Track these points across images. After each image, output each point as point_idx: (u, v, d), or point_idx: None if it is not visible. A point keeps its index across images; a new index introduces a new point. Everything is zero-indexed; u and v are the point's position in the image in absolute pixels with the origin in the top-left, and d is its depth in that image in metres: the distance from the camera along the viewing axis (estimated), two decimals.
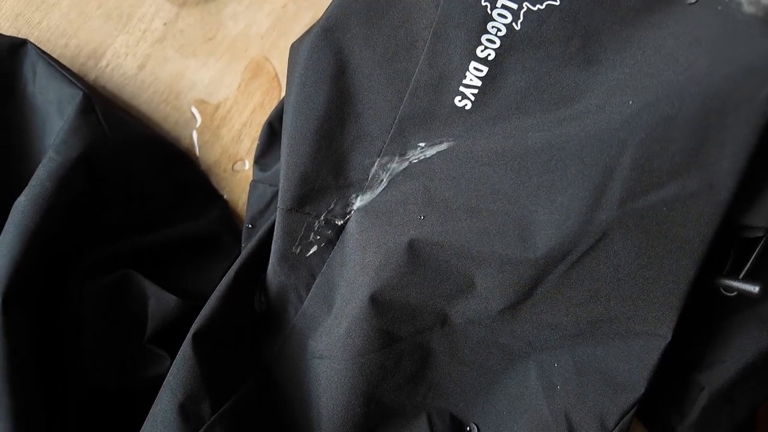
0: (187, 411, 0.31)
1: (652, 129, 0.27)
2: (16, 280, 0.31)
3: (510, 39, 0.30)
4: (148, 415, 0.31)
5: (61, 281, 0.35)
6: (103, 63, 0.50)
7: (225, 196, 0.47)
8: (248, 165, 0.48)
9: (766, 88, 0.25)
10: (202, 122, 0.48)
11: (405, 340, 0.33)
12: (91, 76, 0.50)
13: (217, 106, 0.49)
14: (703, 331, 0.37)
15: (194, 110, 0.49)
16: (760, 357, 0.37)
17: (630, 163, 0.27)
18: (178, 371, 0.31)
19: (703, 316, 0.36)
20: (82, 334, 0.35)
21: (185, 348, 0.32)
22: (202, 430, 0.30)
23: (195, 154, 0.48)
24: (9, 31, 0.50)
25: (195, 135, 0.48)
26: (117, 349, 0.35)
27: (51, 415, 0.32)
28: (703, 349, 0.38)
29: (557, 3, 0.29)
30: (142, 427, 0.32)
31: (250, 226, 0.42)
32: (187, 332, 0.34)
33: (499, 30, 0.30)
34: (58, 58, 0.49)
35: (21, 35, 0.49)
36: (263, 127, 0.44)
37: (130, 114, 0.47)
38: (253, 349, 0.35)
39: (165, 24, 0.50)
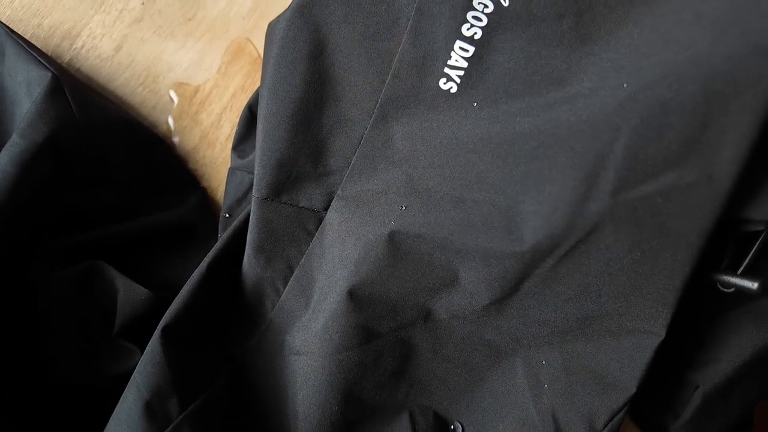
0: (153, 410, 0.29)
1: (648, 114, 0.25)
2: None
3: (497, 16, 0.28)
4: (113, 414, 0.30)
5: (24, 272, 0.33)
6: (78, 44, 0.48)
7: (203, 184, 0.45)
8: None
9: None
10: (181, 106, 0.46)
11: (385, 336, 0.31)
12: (66, 57, 0.47)
13: (197, 90, 0.47)
14: (698, 328, 0.35)
15: (172, 94, 0.47)
16: (756, 355, 0.36)
17: (623, 150, 0.25)
18: (145, 368, 0.30)
19: (699, 314, 0.35)
20: (46, 328, 0.33)
21: (153, 343, 0.30)
22: (169, 428, 0.29)
23: (173, 140, 0.46)
24: None
25: (172, 120, 0.46)
26: (84, 343, 0.34)
27: (14, 414, 0.30)
28: (697, 347, 0.36)
29: None
30: (106, 427, 0.30)
31: (227, 215, 0.40)
32: (157, 326, 0.32)
33: (486, 6, 0.28)
34: (30, 39, 0.47)
35: None
36: (242, 112, 0.42)
37: (104, 97, 0.45)
38: (226, 344, 0.34)
39: (143, 3, 0.48)
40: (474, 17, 0.28)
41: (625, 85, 0.26)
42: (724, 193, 0.25)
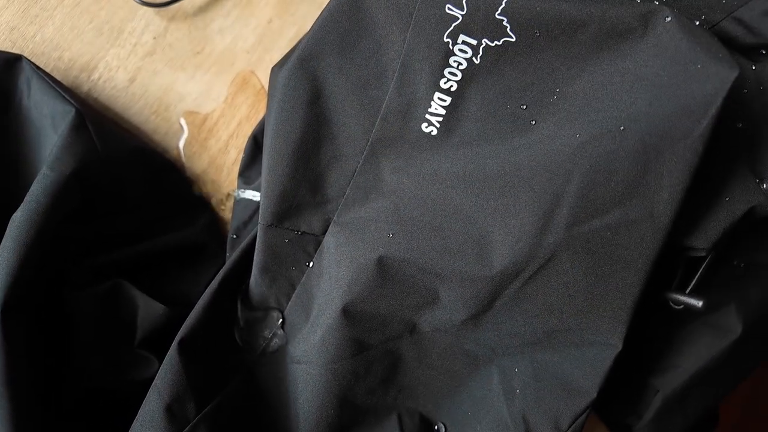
0: (173, 412, 0.33)
1: (596, 161, 0.29)
2: (13, 293, 0.33)
3: (470, 72, 0.32)
4: (137, 416, 0.34)
5: (56, 291, 0.38)
6: (96, 75, 0.52)
7: (213, 206, 0.50)
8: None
9: (699, 127, 0.28)
10: (190, 133, 0.51)
11: (375, 348, 0.36)
12: (84, 88, 0.52)
13: (205, 118, 0.51)
14: (658, 339, 0.39)
15: (183, 122, 0.51)
16: (712, 362, 0.40)
17: (576, 191, 0.30)
18: (165, 375, 0.34)
19: (657, 326, 0.39)
20: (75, 341, 0.37)
21: (171, 353, 0.34)
22: (187, 428, 0.33)
23: (183, 164, 0.50)
24: (4, 45, 0.52)
25: (183, 146, 0.50)
26: (109, 354, 0.38)
27: (47, 418, 0.35)
28: (657, 356, 0.40)
29: (513, 39, 0.31)
30: (131, 427, 0.34)
31: (234, 236, 0.44)
32: (174, 338, 0.36)
33: (460, 64, 0.32)
34: (52, 71, 0.51)
35: (16, 48, 0.51)
36: (248, 141, 0.46)
37: (120, 126, 0.50)
38: (235, 353, 0.38)
39: (155, 38, 0.52)
40: (450, 72, 0.32)
41: (577, 135, 0.30)
42: (664, 227, 0.29)
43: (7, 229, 0.37)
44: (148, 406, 0.34)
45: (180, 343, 0.35)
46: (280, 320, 0.38)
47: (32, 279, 0.35)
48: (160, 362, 0.36)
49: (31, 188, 0.38)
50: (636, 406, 0.42)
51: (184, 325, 0.35)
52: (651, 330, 0.38)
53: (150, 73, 0.52)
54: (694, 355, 0.40)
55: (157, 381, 0.34)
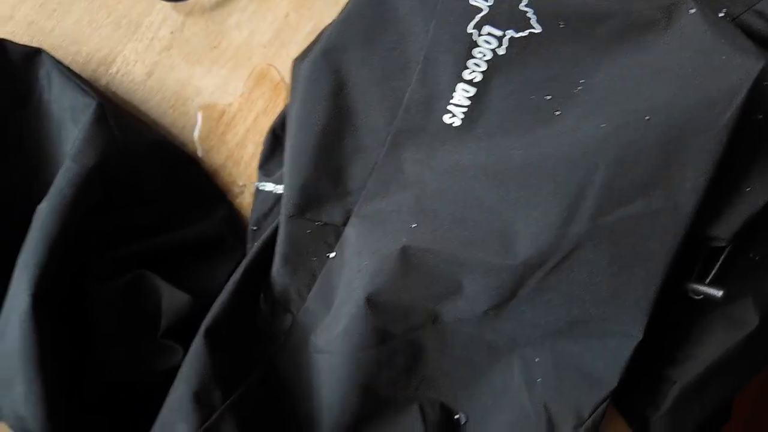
0: (200, 398, 0.34)
1: (621, 151, 0.29)
2: (42, 283, 0.34)
3: (495, 63, 0.32)
4: (165, 403, 0.35)
5: (78, 284, 0.38)
6: (114, 69, 0.52)
7: (229, 199, 0.50)
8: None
9: (723, 118, 0.28)
10: (208, 127, 0.51)
11: (398, 338, 0.36)
12: (102, 82, 0.52)
13: (222, 112, 0.51)
14: (676, 330, 0.40)
15: (200, 116, 0.51)
16: (728, 353, 0.40)
17: (601, 181, 0.30)
18: (192, 363, 0.34)
19: (676, 317, 0.39)
20: (98, 333, 0.38)
21: (198, 342, 0.35)
22: (214, 415, 0.34)
23: (200, 158, 0.50)
24: (23, 39, 0.52)
25: (199, 139, 0.51)
26: (132, 345, 0.38)
27: (71, 410, 0.35)
28: (675, 347, 0.41)
29: (538, 31, 0.31)
30: (159, 414, 0.35)
31: (254, 228, 0.44)
32: (198, 327, 0.37)
33: (484, 55, 0.32)
34: (70, 65, 0.52)
35: (34, 42, 0.52)
36: (267, 134, 0.46)
37: (138, 119, 0.50)
38: (257, 344, 0.38)
39: (172, 32, 0.52)
40: (475, 63, 0.33)
41: (602, 126, 0.30)
42: (687, 217, 0.30)
43: (33, 221, 0.37)
44: (176, 394, 0.34)
45: (206, 332, 0.35)
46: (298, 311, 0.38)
47: (59, 269, 0.36)
48: (184, 351, 0.36)
49: (56, 180, 0.38)
50: (653, 397, 0.42)
51: (208, 315, 0.36)
52: (669, 321, 0.38)
53: (167, 68, 0.52)
54: (712, 346, 0.40)
55: (183, 369, 0.35)
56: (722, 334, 0.40)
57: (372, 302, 0.35)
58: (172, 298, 0.38)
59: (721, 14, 0.33)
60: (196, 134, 0.51)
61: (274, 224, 0.39)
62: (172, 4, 0.52)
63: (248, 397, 0.36)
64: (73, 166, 0.40)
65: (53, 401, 0.33)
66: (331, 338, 0.36)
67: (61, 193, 0.37)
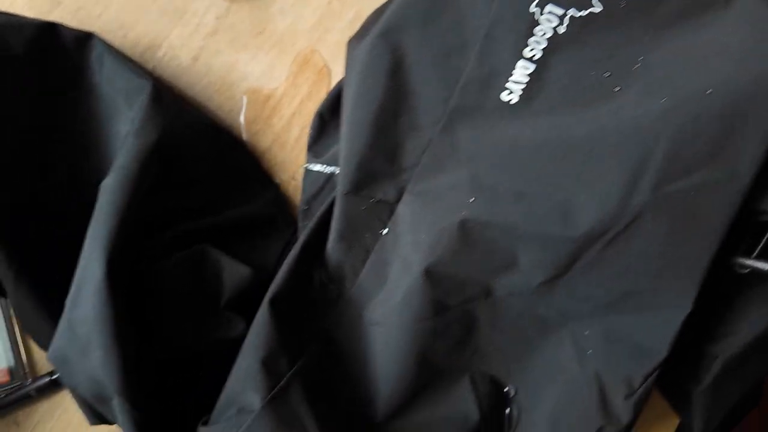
0: (268, 365, 0.35)
1: (682, 125, 0.30)
2: (114, 252, 0.35)
3: (555, 41, 0.33)
4: (232, 372, 0.36)
5: (144, 256, 0.39)
6: (160, 54, 0.53)
7: (277, 180, 0.51)
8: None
9: None
10: (254, 111, 0.52)
11: (454, 309, 0.37)
12: (149, 65, 0.53)
13: (268, 97, 0.52)
14: (720, 304, 0.41)
15: (245, 100, 0.52)
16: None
17: (662, 153, 0.31)
18: (258, 332, 0.36)
19: (719, 293, 0.40)
20: (166, 302, 0.39)
21: (263, 312, 0.36)
22: (282, 381, 0.35)
23: (246, 141, 0.52)
24: (71, 23, 0.53)
25: (245, 122, 0.52)
26: (197, 315, 0.39)
27: (146, 370, 0.36)
28: (717, 322, 0.42)
29: (598, 10, 0.32)
30: (227, 383, 0.36)
31: (306, 208, 0.45)
32: (257, 300, 0.38)
33: (545, 33, 0.33)
34: (118, 49, 0.53)
35: (83, 27, 0.53)
36: (314, 117, 0.47)
37: (188, 102, 0.51)
38: (314, 319, 0.39)
39: (217, 18, 0.54)
40: (535, 41, 0.34)
41: (663, 101, 0.31)
42: (745, 188, 0.31)
43: (100, 196, 0.38)
44: (245, 362, 0.35)
45: (270, 302, 0.36)
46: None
47: (127, 243, 0.37)
48: (246, 323, 0.38)
49: (119, 156, 0.40)
50: (695, 372, 0.43)
51: (271, 287, 0.37)
52: (714, 295, 0.39)
53: (213, 53, 0.53)
54: (751, 323, 0.41)
55: (250, 338, 0.36)
56: (765, 310, 0.41)
57: (430, 274, 0.36)
58: (234, 271, 0.40)
59: None
60: (242, 118, 0.52)
61: (328, 201, 0.40)
62: None
63: (311, 366, 0.37)
64: (136, 142, 0.41)
65: (129, 366, 0.34)
66: (388, 311, 0.37)
67: (127, 167, 0.39)
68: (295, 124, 0.52)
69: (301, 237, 0.40)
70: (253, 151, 0.51)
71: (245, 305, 0.39)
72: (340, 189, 0.39)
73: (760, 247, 0.36)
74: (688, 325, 0.37)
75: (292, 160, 0.51)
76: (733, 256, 0.37)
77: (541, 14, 0.33)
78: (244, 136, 0.52)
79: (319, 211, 0.41)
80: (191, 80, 0.53)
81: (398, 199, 0.39)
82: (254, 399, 0.35)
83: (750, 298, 0.40)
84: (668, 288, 0.35)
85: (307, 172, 0.47)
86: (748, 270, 0.37)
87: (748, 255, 0.37)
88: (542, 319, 0.38)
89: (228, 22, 0.54)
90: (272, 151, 0.52)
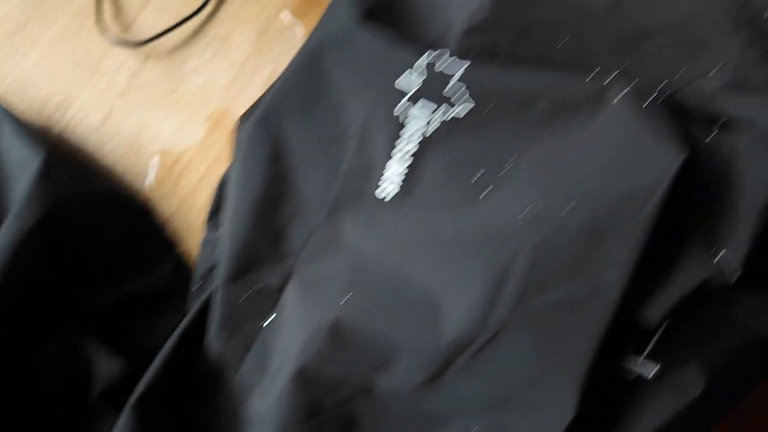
0: None
1: (544, 237, 0.29)
2: None
3: (425, 142, 0.32)
4: None
5: (22, 339, 0.38)
6: (71, 113, 0.52)
7: (180, 248, 0.50)
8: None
9: (647, 209, 0.28)
10: (162, 174, 0.51)
11: (328, 411, 0.36)
12: (59, 126, 0.52)
13: (177, 159, 0.51)
14: (616, 402, 0.39)
15: (154, 162, 0.51)
16: (673, 420, 0.40)
17: (524, 265, 0.30)
18: None
19: (615, 389, 0.39)
20: (35, 392, 0.38)
21: (125, 416, 0.34)
22: None
23: (152, 207, 0.50)
24: None
25: (151, 186, 0.50)
26: (66, 408, 0.38)
27: None
28: (617, 417, 0.40)
29: (463, 114, 0.31)
30: None
31: (200, 283, 0.44)
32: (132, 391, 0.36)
33: (413, 134, 0.32)
34: (26, 110, 0.52)
35: None
36: (216, 187, 0.46)
37: (91, 169, 0.50)
38: (194, 412, 0.38)
39: (130, 76, 0.52)
40: (405, 141, 0.33)
41: (527, 210, 0.30)
42: (612, 306, 0.29)
43: None
44: None
45: (135, 404, 0.35)
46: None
47: None
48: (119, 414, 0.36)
49: None
50: None
51: (138, 386, 0.35)
52: (608, 394, 0.38)
53: (124, 113, 0.52)
54: (656, 413, 0.40)
55: None
56: (665, 402, 0.39)
57: (301, 377, 0.34)
58: (106, 364, 0.38)
59: (655, 91, 0.33)
60: (147, 183, 0.50)
61: (210, 289, 0.39)
62: (131, 48, 0.52)
63: None
64: (14, 222, 0.39)
65: None
66: (264, 408, 0.36)
67: (1, 252, 0.37)
68: (202, 189, 0.50)
69: (180, 325, 0.38)
70: (157, 216, 0.50)
71: (122, 396, 0.37)
72: (221, 276, 0.38)
73: (646, 351, 0.35)
74: (577, 426, 0.35)
75: (198, 227, 0.50)
76: (620, 361, 0.35)
77: (406, 118, 0.32)
78: (150, 200, 0.50)
79: (202, 297, 0.39)
80: (101, 141, 0.52)
81: (284, 284, 0.38)
82: None
83: (647, 393, 0.39)
84: (547, 394, 0.33)
85: (204, 245, 0.45)
86: (633, 376, 0.35)
87: (638, 356, 0.36)
88: (427, 415, 0.37)
89: (141, 80, 0.52)
90: (177, 217, 0.50)
